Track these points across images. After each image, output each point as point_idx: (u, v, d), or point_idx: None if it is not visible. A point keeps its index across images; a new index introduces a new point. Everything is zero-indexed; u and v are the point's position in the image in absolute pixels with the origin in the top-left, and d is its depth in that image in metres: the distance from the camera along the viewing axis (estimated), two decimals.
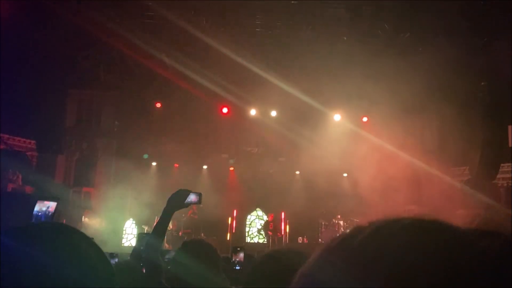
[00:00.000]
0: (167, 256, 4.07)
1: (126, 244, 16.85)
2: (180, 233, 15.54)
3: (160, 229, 3.17)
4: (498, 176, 17.40)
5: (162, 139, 17.42)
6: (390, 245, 0.48)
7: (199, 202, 3.43)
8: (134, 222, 17.07)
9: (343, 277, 0.47)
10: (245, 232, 18.14)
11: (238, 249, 7.13)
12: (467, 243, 0.48)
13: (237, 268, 6.84)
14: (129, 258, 4.64)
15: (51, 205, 9.01)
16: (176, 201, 3.21)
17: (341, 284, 0.47)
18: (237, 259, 7.01)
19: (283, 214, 17.14)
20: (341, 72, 16.23)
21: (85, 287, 0.82)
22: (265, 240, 17.86)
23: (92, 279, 0.83)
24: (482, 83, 15.97)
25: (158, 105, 18.11)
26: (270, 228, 16.52)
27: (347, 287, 0.46)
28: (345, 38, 14.25)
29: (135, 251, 4.22)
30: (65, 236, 0.87)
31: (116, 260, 9.98)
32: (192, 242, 3.11)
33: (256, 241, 17.87)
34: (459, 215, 15.89)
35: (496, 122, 16.39)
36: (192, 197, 3.34)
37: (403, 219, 0.52)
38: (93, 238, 1.01)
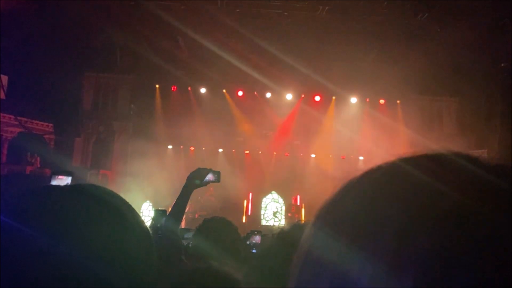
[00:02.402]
0: (185, 235, 4.08)
1: None
2: (196, 215, 15.64)
3: (179, 207, 3.18)
4: None
5: (177, 122, 17.51)
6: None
7: (217, 180, 3.43)
8: (151, 204, 17.20)
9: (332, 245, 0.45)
10: (261, 215, 18.20)
11: (256, 232, 7.09)
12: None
13: (253, 251, 6.80)
14: None
15: (68, 181, 8.93)
16: (196, 179, 3.21)
17: (331, 251, 0.45)
18: (254, 241, 6.96)
19: (298, 197, 17.16)
20: (357, 54, 16.07)
21: (127, 254, 0.77)
22: (281, 222, 17.92)
23: (134, 245, 0.79)
24: (502, 65, 15.67)
25: (174, 88, 18.17)
26: (292, 210, 16.57)
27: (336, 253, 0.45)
28: (360, 18, 14.04)
29: (152, 227, 4.25)
30: (106, 199, 0.83)
31: None
32: (213, 220, 3.11)
33: (271, 224, 17.92)
34: None
35: None
36: (210, 176, 3.34)
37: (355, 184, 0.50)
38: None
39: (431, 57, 15.34)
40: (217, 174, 3.42)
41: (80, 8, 13.48)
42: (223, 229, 2.89)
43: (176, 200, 3.20)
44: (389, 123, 17.82)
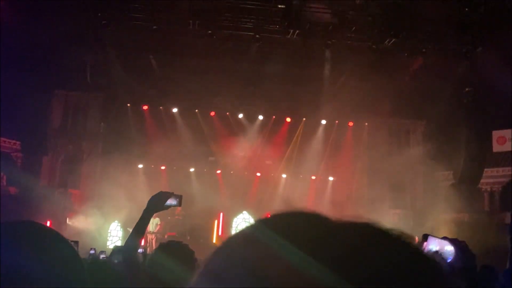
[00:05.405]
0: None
1: (111, 247, 16.73)
2: (165, 236, 15.46)
3: (139, 230, 3.20)
4: (482, 181, 17.63)
5: (148, 141, 17.43)
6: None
7: (179, 204, 3.46)
8: (119, 224, 16.96)
9: None
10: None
11: None
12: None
13: None
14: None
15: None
16: (157, 203, 3.24)
17: None
18: None
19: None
20: (327, 77, 16.39)
21: (56, 285, 0.83)
22: None
23: (63, 277, 0.84)
24: (467, 89, 16.18)
25: (145, 107, 18.09)
26: None
27: None
28: (329, 42, 14.36)
29: (110, 262, 4.26)
30: (37, 234, 0.89)
31: (104, 256, 9.96)
32: (169, 243, 3.15)
33: None
34: (443, 220, 16.09)
35: (480, 128, 16.63)
36: (172, 200, 3.37)
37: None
38: (78, 241, 1.02)
39: (398, 81, 15.76)
40: (179, 198, 3.44)
41: (51, 26, 13.41)
42: (178, 252, 2.93)
43: (137, 223, 3.22)
44: (357, 144, 18.15)
